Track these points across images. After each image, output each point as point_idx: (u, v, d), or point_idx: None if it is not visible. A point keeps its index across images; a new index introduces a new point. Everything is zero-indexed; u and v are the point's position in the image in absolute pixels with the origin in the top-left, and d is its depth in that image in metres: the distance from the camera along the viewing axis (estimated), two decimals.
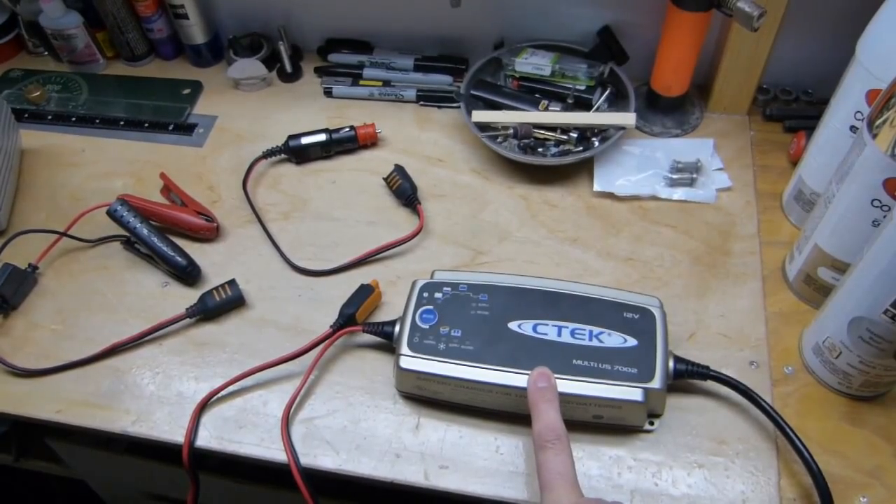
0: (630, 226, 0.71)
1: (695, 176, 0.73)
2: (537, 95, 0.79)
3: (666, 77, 0.77)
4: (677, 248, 0.69)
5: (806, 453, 0.51)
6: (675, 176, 0.74)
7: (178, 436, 0.58)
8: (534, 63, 0.79)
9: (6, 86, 0.91)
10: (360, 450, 0.57)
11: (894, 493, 0.53)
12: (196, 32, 0.88)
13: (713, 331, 0.63)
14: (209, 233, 0.72)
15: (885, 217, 0.53)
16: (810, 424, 0.56)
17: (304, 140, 0.78)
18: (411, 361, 0.56)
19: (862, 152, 0.52)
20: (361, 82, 0.86)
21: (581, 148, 0.74)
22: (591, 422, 0.56)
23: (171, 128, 0.84)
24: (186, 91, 0.88)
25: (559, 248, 0.70)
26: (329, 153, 0.79)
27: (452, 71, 0.85)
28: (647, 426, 0.56)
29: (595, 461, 0.55)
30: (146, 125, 0.85)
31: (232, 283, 0.66)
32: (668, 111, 0.79)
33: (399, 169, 0.74)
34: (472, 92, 0.79)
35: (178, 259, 0.68)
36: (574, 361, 0.54)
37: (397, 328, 0.59)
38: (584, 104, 0.78)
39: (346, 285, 0.65)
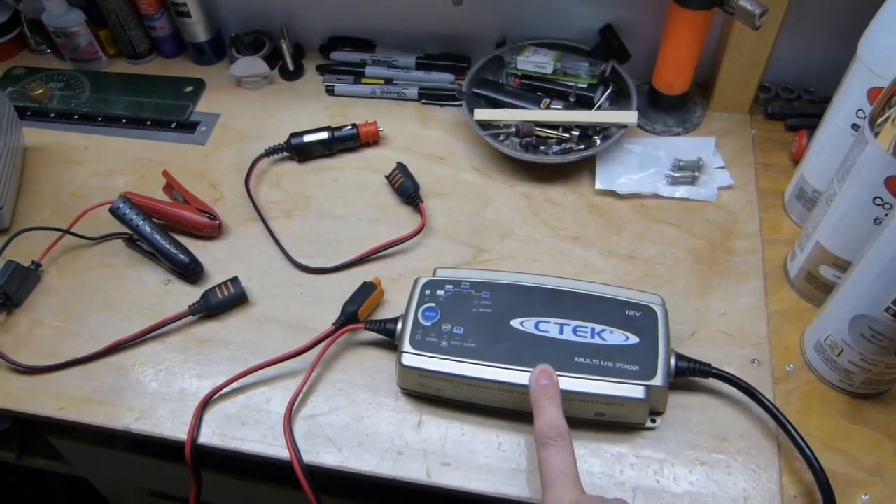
0: (632, 224, 0.71)
1: (696, 174, 0.74)
2: (539, 94, 0.79)
3: (668, 75, 0.77)
4: (679, 247, 0.69)
5: (808, 451, 0.51)
6: (676, 174, 0.74)
7: (180, 433, 0.58)
8: (536, 61, 0.79)
9: (9, 83, 0.91)
10: (362, 447, 0.57)
11: None
12: (198, 30, 0.88)
13: (715, 328, 0.63)
14: (212, 230, 0.72)
15: (886, 215, 0.53)
16: (812, 422, 0.56)
17: (307, 138, 0.78)
18: (413, 359, 0.56)
19: (864, 150, 0.52)
20: (363, 80, 0.87)
21: (583, 146, 0.74)
22: (593, 419, 0.56)
23: (173, 125, 0.84)
24: (189, 89, 0.89)
25: (561, 246, 0.70)
26: (331, 151, 0.80)
27: (454, 69, 0.85)
28: (648, 424, 0.57)
29: (597, 458, 0.56)
30: (149, 123, 0.85)
31: (234, 280, 0.66)
32: (669, 109, 0.79)
33: (401, 167, 0.74)
34: (474, 90, 0.79)
35: (181, 256, 0.68)
36: (576, 359, 0.54)
37: (399, 326, 0.59)
38: (585, 102, 0.78)
39: (349, 283, 0.65)
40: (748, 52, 0.74)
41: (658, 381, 0.54)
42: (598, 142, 0.75)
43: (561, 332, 0.56)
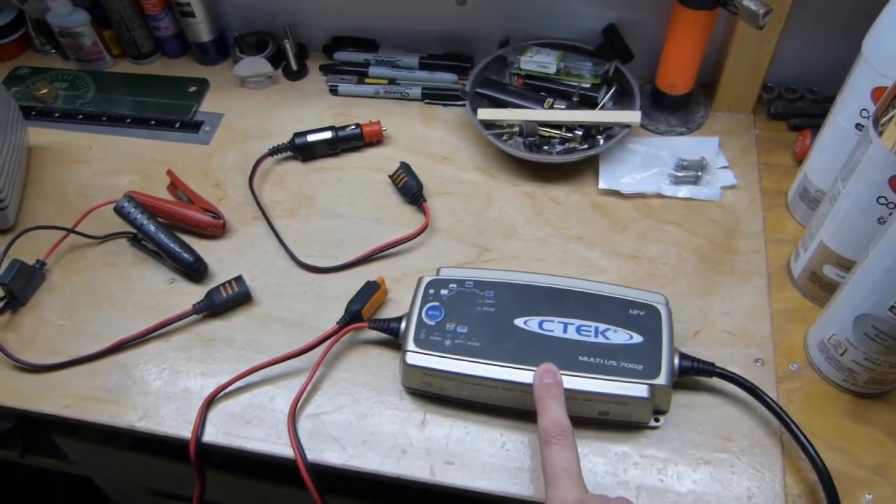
0: (635, 223, 0.71)
1: (700, 174, 0.74)
2: (542, 93, 0.79)
3: (671, 75, 0.77)
4: (682, 246, 0.69)
5: (811, 450, 0.51)
6: (679, 174, 0.74)
7: (185, 431, 0.59)
8: (539, 61, 0.79)
9: (14, 83, 0.91)
10: (366, 445, 0.57)
11: None
12: (202, 30, 0.88)
13: (718, 328, 0.63)
14: (216, 230, 0.72)
15: (890, 214, 0.53)
16: (815, 421, 0.56)
17: (310, 138, 0.78)
18: (417, 357, 0.56)
19: (867, 150, 0.52)
20: (367, 80, 0.87)
21: (586, 146, 0.75)
22: (596, 418, 0.56)
23: (177, 125, 0.85)
24: (192, 89, 0.89)
25: (564, 245, 0.70)
26: (335, 151, 0.80)
27: (458, 69, 0.85)
28: (652, 423, 0.57)
29: (601, 457, 0.56)
30: (153, 123, 0.85)
31: (238, 279, 0.66)
32: (673, 109, 0.80)
33: (405, 166, 0.74)
34: (478, 90, 0.80)
35: (185, 255, 0.68)
36: (580, 358, 0.54)
37: (403, 324, 0.59)
38: (589, 102, 0.78)
39: (352, 282, 0.65)
40: (751, 51, 0.74)
41: (662, 380, 0.54)
42: (602, 141, 0.75)
43: (565, 331, 0.56)
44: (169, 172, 0.76)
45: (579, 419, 0.54)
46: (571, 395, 0.53)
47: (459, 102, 0.84)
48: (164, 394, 0.61)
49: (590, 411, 0.55)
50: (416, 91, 0.85)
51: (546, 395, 0.51)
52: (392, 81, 0.86)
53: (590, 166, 0.76)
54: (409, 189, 0.73)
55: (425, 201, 0.73)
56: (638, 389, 0.53)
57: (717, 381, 0.58)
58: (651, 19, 0.78)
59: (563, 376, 0.53)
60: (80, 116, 0.86)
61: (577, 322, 0.56)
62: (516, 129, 0.75)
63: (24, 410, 0.61)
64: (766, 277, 0.66)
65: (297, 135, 0.78)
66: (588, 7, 0.80)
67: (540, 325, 0.56)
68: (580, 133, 0.75)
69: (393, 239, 0.69)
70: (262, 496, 0.81)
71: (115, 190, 0.75)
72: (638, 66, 0.79)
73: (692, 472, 0.54)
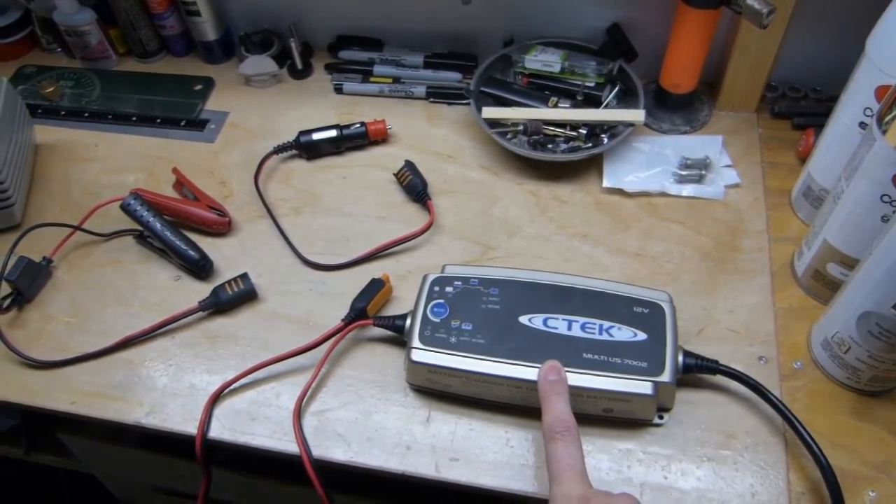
0: (639, 222, 0.71)
1: (703, 172, 0.74)
2: (547, 92, 0.79)
3: (675, 74, 0.77)
4: (686, 244, 0.69)
5: (815, 447, 0.52)
6: (683, 172, 0.74)
7: (190, 427, 0.59)
8: (543, 60, 0.79)
9: (20, 82, 0.92)
10: (371, 442, 0.57)
11: None
12: (207, 29, 0.89)
13: (722, 326, 0.63)
14: (221, 227, 0.72)
15: (894, 212, 0.53)
16: (819, 419, 0.57)
17: (315, 136, 0.78)
18: (422, 354, 0.56)
19: (871, 148, 0.52)
20: (371, 79, 0.87)
21: (590, 144, 0.75)
22: (600, 415, 0.56)
23: (182, 123, 0.85)
24: (198, 87, 0.89)
25: (568, 243, 0.70)
26: (340, 149, 0.80)
27: (462, 68, 0.86)
28: (656, 420, 0.57)
29: (605, 454, 0.56)
30: (158, 121, 0.86)
31: (244, 276, 0.67)
32: (676, 108, 0.80)
33: (409, 165, 0.75)
34: (482, 89, 0.80)
35: (191, 253, 0.68)
36: (584, 355, 0.55)
37: (408, 322, 0.59)
38: (593, 101, 0.78)
39: (357, 280, 0.65)
40: (755, 51, 0.74)
41: (666, 377, 0.54)
42: (606, 140, 0.75)
43: (569, 328, 0.56)
44: (174, 170, 0.76)
45: (583, 416, 0.54)
46: (576, 392, 0.53)
47: (464, 101, 0.84)
48: (170, 390, 0.62)
49: (594, 408, 0.56)
50: (421, 90, 0.85)
51: (550, 392, 0.51)
52: (397, 80, 0.86)
53: (594, 165, 0.76)
54: (414, 187, 0.73)
55: (430, 199, 0.73)
56: (642, 386, 0.53)
57: (720, 379, 0.58)
58: (655, 18, 0.78)
59: (567, 373, 0.53)
60: (86, 115, 0.87)
61: (582, 319, 0.56)
62: (521, 127, 0.75)
63: (32, 406, 0.62)
64: (770, 276, 0.66)
65: (302, 133, 0.79)
66: (592, 6, 0.80)
67: (544, 322, 0.57)
68: (584, 132, 0.75)
69: (398, 237, 0.70)
70: (267, 494, 0.82)
71: (121, 188, 0.76)
72: (642, 66, 0.79)
73: (696, 469, 0.55)
